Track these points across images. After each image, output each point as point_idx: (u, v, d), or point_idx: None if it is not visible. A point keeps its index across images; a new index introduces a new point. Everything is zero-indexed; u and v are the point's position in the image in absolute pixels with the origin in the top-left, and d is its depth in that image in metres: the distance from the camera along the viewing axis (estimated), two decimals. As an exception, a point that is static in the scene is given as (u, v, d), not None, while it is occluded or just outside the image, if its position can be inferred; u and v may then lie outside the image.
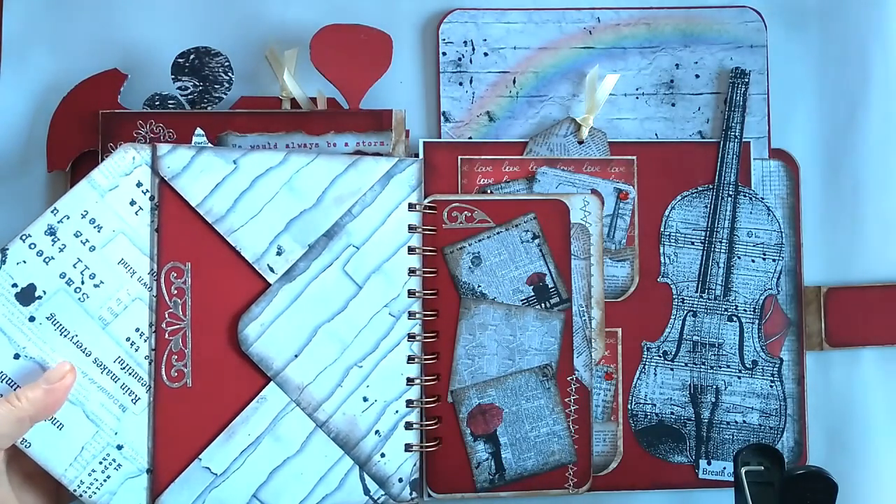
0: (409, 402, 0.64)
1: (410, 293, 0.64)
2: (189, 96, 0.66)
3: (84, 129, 0.65)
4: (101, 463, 0.59)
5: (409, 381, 0.64)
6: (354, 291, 0.63)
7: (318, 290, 0.62)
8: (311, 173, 0.62)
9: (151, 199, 0.60)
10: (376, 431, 0.63)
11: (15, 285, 0.57)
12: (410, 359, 0.64)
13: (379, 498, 0.63)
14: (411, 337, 0.64)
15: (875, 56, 0.71)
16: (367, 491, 0.63)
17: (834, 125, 0.70)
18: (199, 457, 0.61)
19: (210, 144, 0.62)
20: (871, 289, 0.69)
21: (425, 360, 0.64)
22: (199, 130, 0.62)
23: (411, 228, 0.64)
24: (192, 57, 0.66)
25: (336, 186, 0.63)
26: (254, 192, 0.61)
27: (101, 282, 0.59)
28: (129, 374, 0.59)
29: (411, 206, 0.64)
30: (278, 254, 0.62)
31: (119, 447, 0.59)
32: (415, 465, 0.64)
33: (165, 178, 0.60)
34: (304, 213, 0.62)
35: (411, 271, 0.64)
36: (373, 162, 0.64)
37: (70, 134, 0.65)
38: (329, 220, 0.63)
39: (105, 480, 0.59)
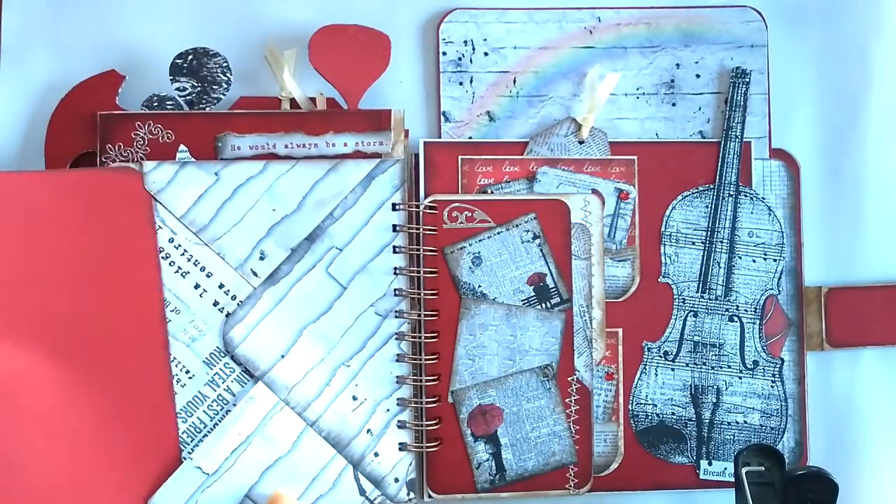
0: (400, 401, 0.64)
1: (397, 292, 0.64)
2: (187, 97, 0.66)
3: (82, 130, 0.65)
4: None
5: (400, 379, 0.64)
6: (339, 292, 0.64)
7: (303, 292, 0.64)
8: (291, 180, 0.64)
9: None
10: (368, 430, 0.64)
11: None
12: (400, 357, 0.64)
13: (375, 498, 0.63)
14: (399, 336, 0.64)
15: (876, 56, 0.70)
16: (362, 491, 0.63)
17: (835, 125, 0.70)
18: (191, 456, 0.62)
19: (193, 159, 0.64)
20: (872, 289, 0.69)
21: (426, 360, 0.65)
22: (182, 147, 0.64)
23: (396, 228, 0.64)
24: (190, 58, 0.66)
25: (317, 191, 0.64)
26: (235, 200, 0.64)
27: None
28: None
29: (395, 206, 0.64)
30: (261, 258, 0.63)
31: None
32: (410, 464, 0.64)
33: (151, 193, 0.63)
34: (285, 218, 0.64)
35: (397, 271, 0.64)
36: (353, 165, 0.64)
37: (68, 135, 0.65)
38: (311, 223, 0.64)
39: None
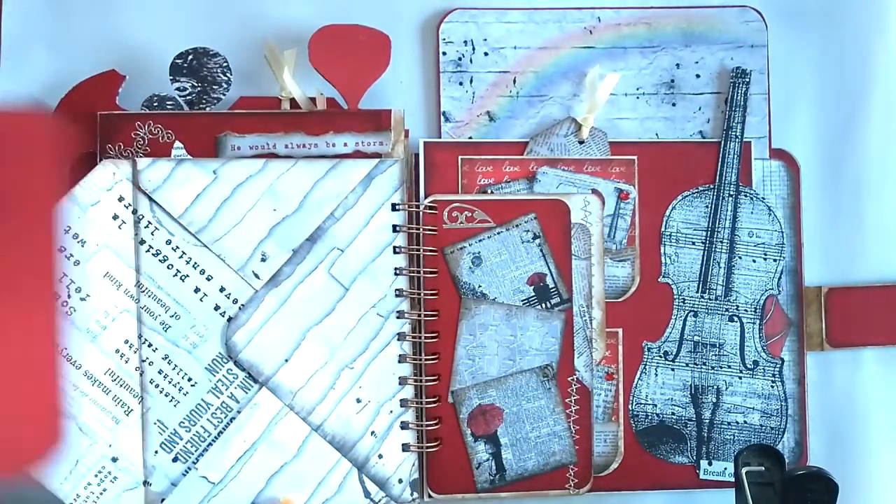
0: (403, 402, 0.64)
1: (398, 293, 0.64)
2: (187, 97, 0.66)
3: (82, 130, 0.65)
4: (96, 476, 0.59)
5: (402, 380, 0.64)
6: (341, 294, 0.63)
7: (305, 293, 0.63)
8: (291, 179, 0.63)
9: (134, 212, 0.62)
10: (372, 432, 0.63)
11: None
12: (402, 358, 0.64)
13: (380, 500, 0.63)
14: (401, 336, 0.64)
15: (876, 55, 0.70)
16: (367, 493, 0.63)
17: (835, 125, 0.70)
18: (196, 465, 0.61)
19: (189, 157, 0.63)
20: (871, 289, 0.69)
21: (426, 360, 0.64)
22: (178, 143, 0.63)
23: (396, 228, 0.64)
24: (190, 58, 0.66)
25: (317, 190, 0.63)
26: (235, 200, 0.62)
27: (88, 295, 0.60)
28: (121, 385, 0.61)
29: (395, 206, 0.64)
30: (262, 260, 0.62)
31: (114, 459, 0.60)
32: (413, 464, 0.64)
33: (146, 192, 0.61)
34: (286, 218, 0.63)
35: (398, 271, 0.64)
36: (353, 164, 0.64)
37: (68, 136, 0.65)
38: (312, 224, 0.63)
39: (101, 493, 0.59)
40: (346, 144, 0.65)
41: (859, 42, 0.71)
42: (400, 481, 0.63)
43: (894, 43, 0.71)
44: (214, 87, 0.66)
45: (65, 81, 0.66)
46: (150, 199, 0.62)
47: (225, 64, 0.66)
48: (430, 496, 0.65)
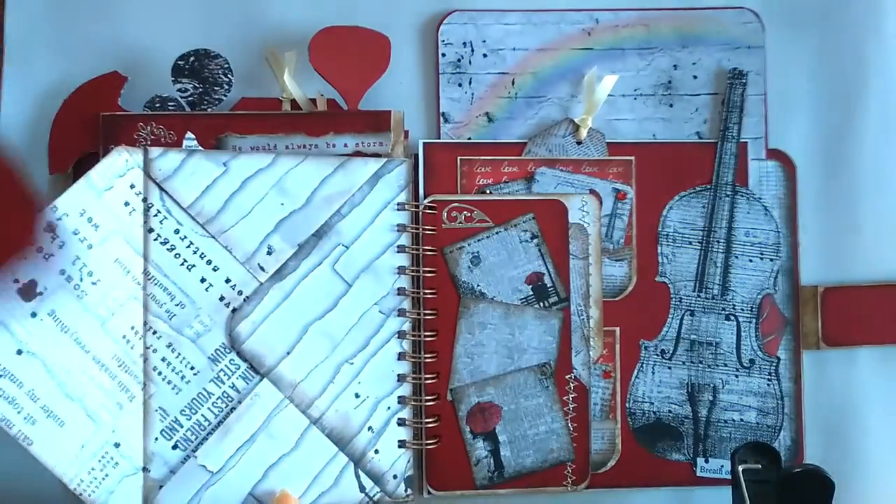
0: (400, 399, 0.64)
1: (400, 291, 0.64)
2: (189, 98, 0.66)
3: (85, 131, 0.65)
4: (99, 461, 0.60)
5: (401, 377, 0.64)
6: (344, 290, 0.64)
7: (309, 288, 0.63)
8: (300, 175, 0.63)
9: (144, 200, 0.62)
10: (369, 428, 0.64)
11: (16, 281, 0.59)
12: (401, 356, 0.64)
13: (374, 495, 0.64)
14: (401, 334, 0.64)
15: (872, 57, 0.71)
16: (362, 488, 0.64)
17: (831, 126, 0.71)
18: (195, 454, 0.62)
19: (201, 148, 0.63)
20: (867, 288, 0.69)
21: (426, 358, 0.65)
22: (189, 135, 0.64)
23: (400, 228, 0.65)
24: (191, 59, 0.66)
25: (325, 187, 0.64)
26: (244, 193, 0.63)
27: (99, 280, 0.61)
28: (126, 371, 0.61)
29: (400, 206, 0.65)
30: (268, 253, 0.63)
31: (117, 445, 0.60)
32: (409, 461, 0.64)
33: (157, 181, 0.62)
34: (293, 213, 0.63)
35: (401, 270, 0.65)
36: (361, 163, 0.64)
37: (72, 137, 0.66)
38: (318, 220, 0.64)
39: (104, 479, 0.60)
40: (346, 145, 0.66)
41: (855, 43, 0.71)
42: (395, 477, 0.64)
43: (890, 44, 0.71)
44: (216, 88, 0.67)
45: (67, 83, 0.66)
46: (161, 188, 0.62)
47: (226, 65, 0.67)
48: (429, 492, 0.65)
